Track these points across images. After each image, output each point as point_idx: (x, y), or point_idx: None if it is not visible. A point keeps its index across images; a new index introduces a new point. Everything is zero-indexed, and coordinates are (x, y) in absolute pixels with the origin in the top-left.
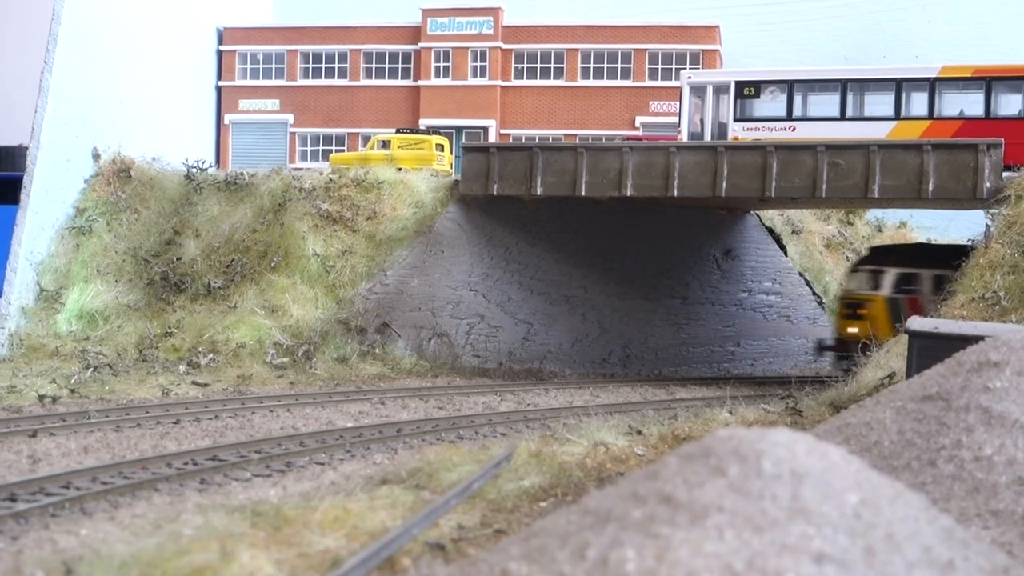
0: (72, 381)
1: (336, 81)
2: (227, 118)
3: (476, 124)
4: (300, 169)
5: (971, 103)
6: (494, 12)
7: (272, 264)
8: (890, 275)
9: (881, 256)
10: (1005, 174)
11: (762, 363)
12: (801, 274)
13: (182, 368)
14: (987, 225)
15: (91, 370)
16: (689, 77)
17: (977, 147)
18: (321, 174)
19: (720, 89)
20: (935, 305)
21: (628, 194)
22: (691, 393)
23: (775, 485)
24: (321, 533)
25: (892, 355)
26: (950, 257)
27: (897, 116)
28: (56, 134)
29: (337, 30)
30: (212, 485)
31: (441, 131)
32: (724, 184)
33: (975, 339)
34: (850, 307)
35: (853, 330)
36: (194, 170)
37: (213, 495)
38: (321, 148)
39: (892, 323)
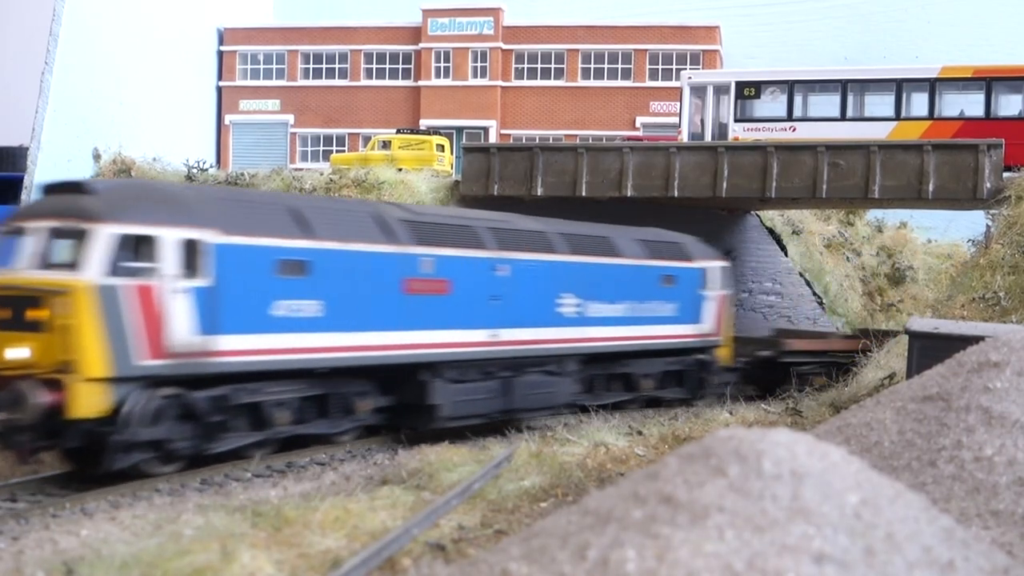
0: None
1: (336, 81)
2: (228, 118)
3: (476, 124)
4: (301, 169)
5: (971, 103)
6: (494, 13)
7: None
8: (100, 240)
9: (77, 204)
10: (1005, 174)
11: None
12: (801, 274)
13: None
14: (987, 225)
15: None
16: (689, 77)
17: (977, 147)
18: (322, 174)
19: (720, 89)
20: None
21: (628, 195)
22: None
23: (775, 485)
24: (321, 533)
25: (892, 355)
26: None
27: (897, 116)
28: (57, 134)
29: (337, 30)
30: (212, 485)
31: (441, 131)
32: (724, 184)
33: (975, 339)
34: (6, 306)
35: (15, 354)
36: (195, 170)
37: (213, 495)
38: (322, 148)
39: (112, 338)
